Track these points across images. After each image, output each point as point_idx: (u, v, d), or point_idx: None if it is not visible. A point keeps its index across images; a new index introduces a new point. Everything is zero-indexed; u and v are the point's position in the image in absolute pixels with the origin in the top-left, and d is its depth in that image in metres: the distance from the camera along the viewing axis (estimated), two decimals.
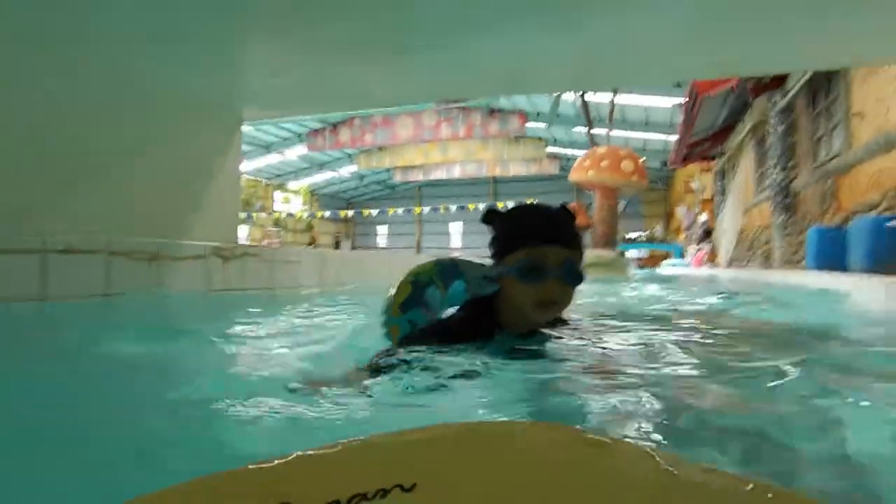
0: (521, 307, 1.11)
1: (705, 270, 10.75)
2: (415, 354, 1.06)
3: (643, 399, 0.84)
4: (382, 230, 31.75)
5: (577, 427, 0.41)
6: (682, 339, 1.29)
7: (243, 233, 23.33)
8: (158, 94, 2.91)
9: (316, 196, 28.90)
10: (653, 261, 17.71)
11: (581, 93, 12.43)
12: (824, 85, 6.59)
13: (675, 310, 2.71)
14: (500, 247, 1.15)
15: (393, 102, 5.42)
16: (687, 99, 9.29)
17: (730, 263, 10.45)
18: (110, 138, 2.69)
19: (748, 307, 2.88)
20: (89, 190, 2.49)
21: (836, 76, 6.06)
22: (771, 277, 5.63)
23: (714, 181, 14.05)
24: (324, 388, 0.93)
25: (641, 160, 10.27)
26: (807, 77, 6.54)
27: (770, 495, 0.31)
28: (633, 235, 19.47)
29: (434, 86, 3.41)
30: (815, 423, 0.81)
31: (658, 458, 0.34)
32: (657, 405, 0.81)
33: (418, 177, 25.21)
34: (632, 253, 17.13)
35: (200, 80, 2.94)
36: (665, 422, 0.76)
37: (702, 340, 1.32)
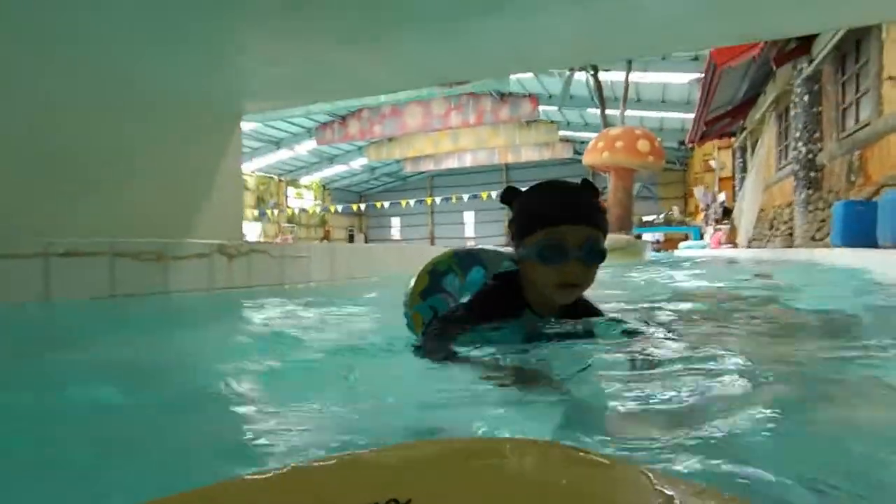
0: (542, 288, 1.09)
1: (725, 251, 10.46)
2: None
3: (653, 407, 0.79)
4: (396, 222, 31.76)
5: (571, 445, 0.40)
6: (718, 332, 1.19)
7: (257, 230, 23.60)
8: (157, 92, 2.87)
9: (328, 190, 29.01)
10: (670, 244, 17.35)
11: (594, 72, 12.09)
12: (853, 49, 6.24)
13: (709, 297, 2.56)
14: (519, 228, 1.13)
15: (395, 88, 5.29)
16: (705, 73, 8.94)
17: (750, 243, 10.15)
18: (110, 139, 2.66)
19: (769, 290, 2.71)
20: (90, 192, 2.47)
21: (867, 39, 5.72)
22: (797, 256, 5.39)
23: (734, 158, 13.62)
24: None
25: (657, 140, 9.96)
26: (835, 41, 6.20)
27: None
28: (649, 218, 19.08)
29: (436, 68, 3.27)
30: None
31: (653, 478, 0.34)
32: (664, 414, 0.77)
33: (429, 166, 25.06)
34: (648, 236, 16.80)
35: (199, 77, 2.88)
36: (667, 433, 0.69)
37: (738, 333, 1.21)
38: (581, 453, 0.38)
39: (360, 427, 0.75)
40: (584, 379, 0.93)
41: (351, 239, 29.63)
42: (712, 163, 16.47)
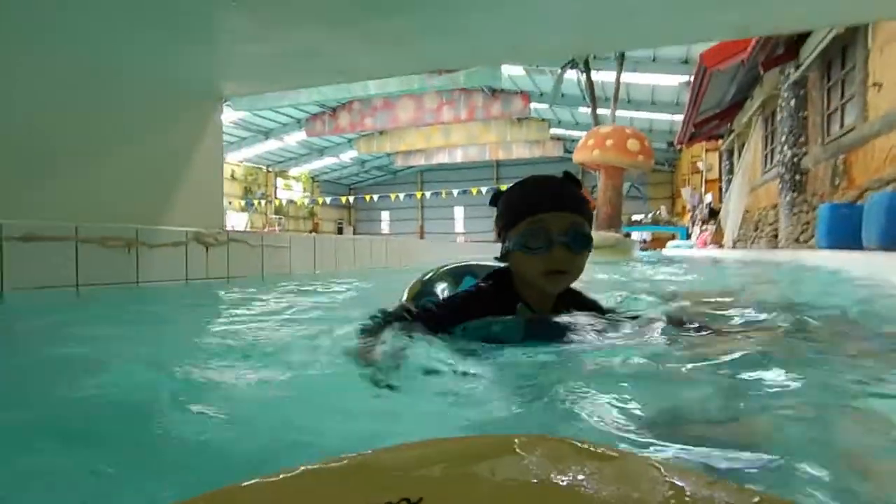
0: (531, 279, 1.09)
1: (711, 251, 10.57)
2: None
3: (646, 399, 0.76)
4: (385, 216, 31.60)
5: (582, 438, 0.40)
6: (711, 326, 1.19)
7: (244, 221, 23.27)
8: (130, 70, 2.73)
9: (317, 182, 28.71)
10: (658, 243, 17.52)
11: (585, 70, 12.10)
12: (839, 56, 6.32)
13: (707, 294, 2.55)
14: (504, 222, 1.14)
15: (381, 74, 5.14)
16: (694, 75, 8.99)
17: (735, 244, 10.27)
18: (77, 118, 2.51)
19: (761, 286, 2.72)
20: (54, 173, 2.33)
21: (853, 45, 5.79)
22: (785, 257, 5.46)
23: (721, 160, 13.76)
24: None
25: (647, 139, 10.00)
26: (821, 47, 6.27)
27: None
28: (638, 218, 19.25)
29: (424, 55, 3.17)
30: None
31: (663, 470, 0.34)
32: (659, 405, 0.75)
33: (420, 161, 24.93)
34: (636, 235, 16.95)
35: (174, 56, 2.74)
36: (668, 423, 0.69)
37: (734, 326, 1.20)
38: (591, 447, 0.38)
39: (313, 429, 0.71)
40: (577, 372, 0.91)
41: (340, 232, 29.40)
42: (700, 164, 16.63)
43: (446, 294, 1.36)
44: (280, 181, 26.36)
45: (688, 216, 17.07)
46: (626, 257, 8.07)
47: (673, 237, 16.23)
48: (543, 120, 20.44)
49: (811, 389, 0.84)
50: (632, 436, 0.63)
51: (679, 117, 12.96)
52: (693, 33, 3.32)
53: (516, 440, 0.39)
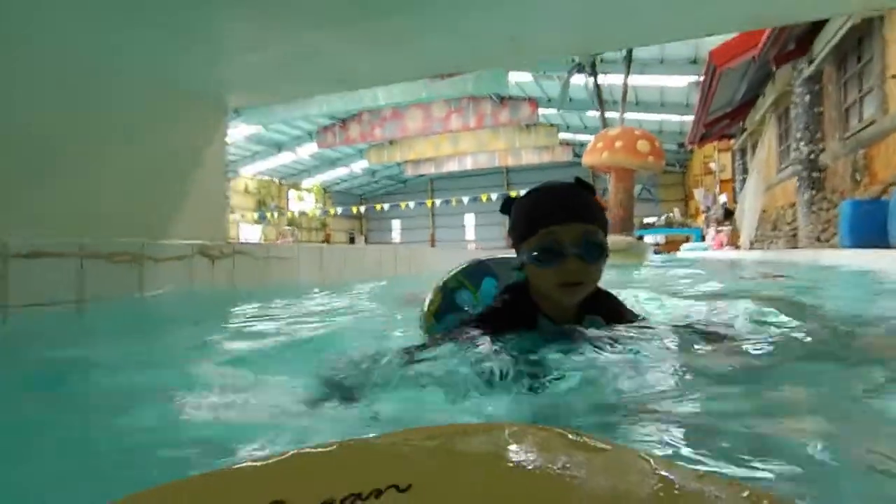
0: (546, 292, 1.09)
1: (727, 253, 10.34)
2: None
3: (657, 403, 0.77)
4: (396, 225, 31.72)
5: (572, 429, 0.39)
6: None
7: (258, 233, 23.55)
8: (133, 81, 2.72)
9: (329, 193, 28.98)
10: (671, 246, 17.22)
11: (592, 72, 12.04)
12: (855, 48, 6.16)
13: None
14: (517, 235, 1.13)
15: (383, 80, 5.13)
16: (704, 74, 8.86)
17: (752, 245, 10.02)
18: (81, 129, 2.50)
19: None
20: (56, 187, 2.33)
21: (869, 37, 5.63)
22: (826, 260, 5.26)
23: (734, 160, 13.52)
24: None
25: (657, 140, 9.86)
26: (836, 40, 6.12)
27: (766, 502, 0.31)
28: (650, 220, 18.99)
29: (426, 59, 3.14)
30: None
31: (653, 463, 0.34)
32: (667, 408, 0.75)
33: (430, 170, 25.01)
34: (649, 238, 16.71)
35: (177, 64, 2.75)
36: (673, 425, 0.69)
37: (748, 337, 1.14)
38: (581, 438, 0.38)
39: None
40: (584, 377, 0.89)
41: (352, 241, 29.58)
42: (712, 165, 16.37)
43: (471, 303, 1.32)
44: (293, 193, 26.65)
45: (701, 217, 16.77)
46: (639, 261, 7.92)
47: (687, 239, 15.95)
48: (552, 125, 20.37)
49: (840, 401, 0.78)
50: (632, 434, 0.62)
51: (689, 118, 12.78)
52: (699, 27, 3.23)
53: (507, 429, 0.39)
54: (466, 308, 1.31)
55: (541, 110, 17.64)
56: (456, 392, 0.84)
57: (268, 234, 24.18)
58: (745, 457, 0.56)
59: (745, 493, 0.31)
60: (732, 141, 13.50)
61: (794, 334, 1.20)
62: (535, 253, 1.05)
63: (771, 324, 1.28)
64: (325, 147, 20.74)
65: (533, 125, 20.03)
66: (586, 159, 9.85)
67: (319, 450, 0.36)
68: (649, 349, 1.00)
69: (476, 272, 1.38)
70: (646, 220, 18.82)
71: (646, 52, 12.24)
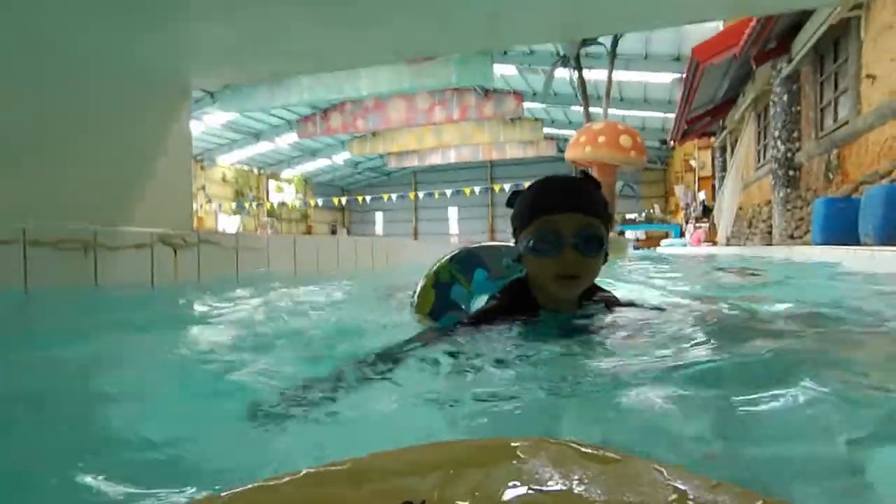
0: (542, 283, 1.07)
1: (704, 249, 10.51)
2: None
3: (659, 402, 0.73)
4: (379, 217, 31.47)
5: (583, 441, 0.39)
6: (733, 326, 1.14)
7: (236, 224, 23.04)
8: (88, 59, 2.54)
9: (310, 184, 28.50)
10: (651, 242, 17.49)
11: (577, 67, 12.04)
12: (831, 49, 6.26)
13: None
14: (517, 223, 1.12)
15: (354, 62, 4.97)
16: (687, 70, 8.93)
17: (728, 241, 10.21)
18: (26, 111, 2.33)
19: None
20: (3, 172, 2.16)
21: (846, 38, 5.72)
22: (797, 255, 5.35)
23: (713, 157, 13.74)
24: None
25: (640, 136, 9.92)
26: (813, 41, 6.20)
27: None
28: (632, 216, 19.26)
29: (399, 40, 3.01)
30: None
31: (665, 473, 0.34)
32: (671, 408, 0.72)
33: (413, 162, 24.80)
34: (630, 234, 16.93)
35: (135, 41, 2.56)
36: (675, 425, 0.67)
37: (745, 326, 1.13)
38: (594, 450, 0.38)
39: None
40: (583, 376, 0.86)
41: (333, 233, 29.21)
42: (693, 162, 16.62)
43: (465, 298, 1.30)
44: (272, 184, 26.12)
45: (681, 214, 17.06)
46: (619, 256, 7.99)
47: (666, 235, 16.22)
48: (537, 120, 20.36)
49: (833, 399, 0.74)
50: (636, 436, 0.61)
51: (671, 115, 12.92)
52: (683, 13, 3.17)
53: (518, 443, 0.39)
54: (463, 306, 1.29)
55: (525, 104, 17.60)
56: (460, 402, 0.80)
57: (247, 225, 23.67)
58: (758, 459, 0.55)
59: (760, 502, 0.31)
60: (713, 139, 13.71)
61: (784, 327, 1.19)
62: (533, 241, 1.03)
63: (762, 320, 1.27)
64: (306, 137, 20.34)
65: (517, 119, 19.98)
66: (569, 153, 9.86)
67: (331, 468, 0.36)
68: (648, 339, 0.99)
69: (466, 263, 1.35)
70: (627, 216, 19.06)
71: (630, 47, 12.29)
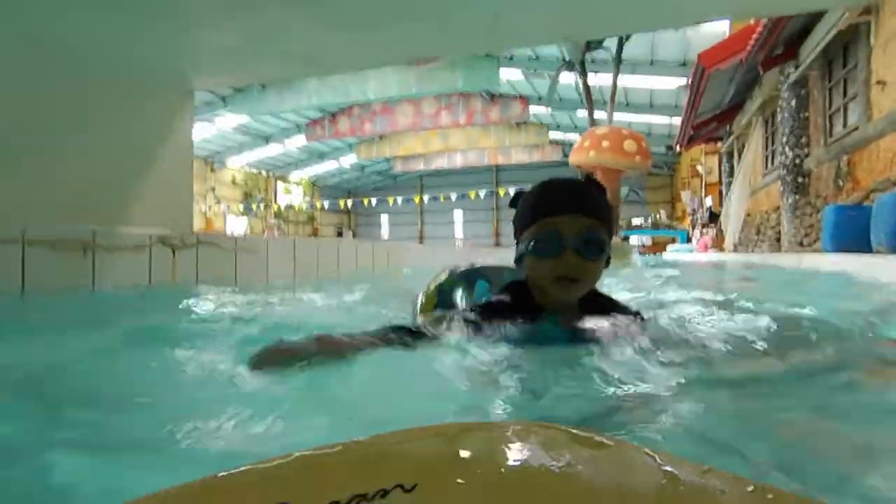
0: (542, 286, 1.06)
1: (712, 255, 10.40)
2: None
3: (657, 397, 0.75)
4: (385, 221, 31.56)
5: (576, 426, 0.39)
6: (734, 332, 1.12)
7: (243, 225, 23.19)
8: (90, 62, 2.56)
9: (317, 187, 28.66)
10: (658, 247, 17.36)
11: (581, 72, 12.02)
12: (840, 54, 6.19)
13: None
14: (519, 224, 1.12)
15: (355, 64, 4.98)
16: (693, 76, 8.87)
17: (736, 248, 10.10)
18: (26, 109, 2.34)
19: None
20: (1, 172, 2.17)
21: (855, 43, 5.65)
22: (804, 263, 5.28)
23: (720, 163, 13.62)
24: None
25: (645, 140, 9.86)
26: (822, 46, 6.14)
27: (770, 496, 0.31)
28: (637, 221, 19.14)
29: (401, 42, 3.00)
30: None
31: (657, 458, 0.34)
32: (669, 402, 0.73)
33: (419, 166, 24.87)
34: (635, 239, 16.82)
35: (137, 42, 2.58)
36: (674, 419, 0.68)
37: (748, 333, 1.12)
38: (585, 434, 0.38)
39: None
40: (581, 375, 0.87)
41: (339, 236, 29.31)
42: (699, 168, 16.50)
43: (468, 299, 1.33)
44: (280, 185, 26.30)
45: (687, 220, 16.93)
46: (624, 261, 7.93)
47: (673, 241, 16.08)
48: (542, 124, 20.36)
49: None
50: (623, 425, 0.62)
51: (678, 120, 12.84)
52: (688, 14, 3.13)
53: (511, 427, 0.39)
54: (463, 305, 1.31)
55: (531, 109, 17.61)
56: (456, 387, 0.81)
57: (254, 227, 23.83)
58: (751, 450, 0.56)
59: (750, 488, 0.31)
60: (720, 144, 13.61)
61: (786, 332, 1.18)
62: (534, 242, 1.03)
63: (762, 322, 1.26)
64: (314, 140, 20.49)
65: (523, 124, 20.00)
66: (573, 158, 9.82)
67: (323, 450, 0.36)
68: (650, 343, 0.99)
69: (468, 274, 1.38)
70: (633, 222, 18.95)
71: (636, 53, 12.25)
